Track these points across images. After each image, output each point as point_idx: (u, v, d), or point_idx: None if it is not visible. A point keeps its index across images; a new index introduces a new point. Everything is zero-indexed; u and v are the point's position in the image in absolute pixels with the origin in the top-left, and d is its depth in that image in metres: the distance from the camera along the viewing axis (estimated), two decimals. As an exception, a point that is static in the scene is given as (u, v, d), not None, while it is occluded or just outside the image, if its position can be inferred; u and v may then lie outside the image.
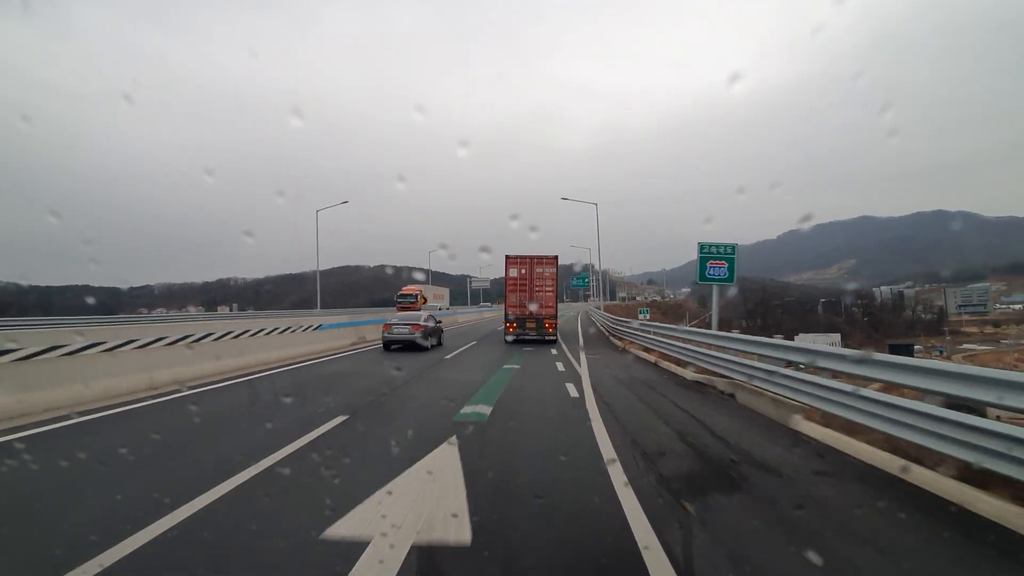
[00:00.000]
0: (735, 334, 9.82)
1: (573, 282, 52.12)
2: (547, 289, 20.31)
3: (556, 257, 20.76)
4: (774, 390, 6.86)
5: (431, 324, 17.63)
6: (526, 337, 19.75)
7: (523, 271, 20.37)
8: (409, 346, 16.37)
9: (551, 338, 19.75)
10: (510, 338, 19.87)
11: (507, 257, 20.55)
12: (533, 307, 19.86)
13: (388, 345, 16.63)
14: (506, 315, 20.34)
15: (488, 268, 54.66)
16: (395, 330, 16.52)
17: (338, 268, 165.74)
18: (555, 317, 20.16)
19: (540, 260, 20.47)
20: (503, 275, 21.18)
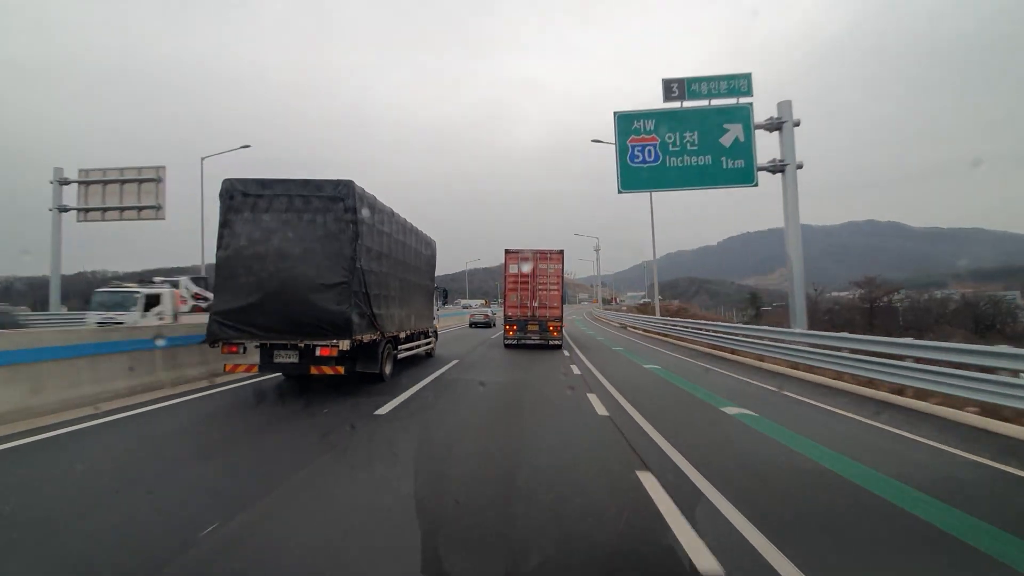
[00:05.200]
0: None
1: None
2: (552, 287, 17.38)
3: (562, 252, 17.82)
4: None
5: (491, 314, 33.08)
6: (527, 342, 17.04)
7: (524, 267, 17.36)
8: (483, 325, 30.94)
9: (555, 343, 17.15)
10: (510, 342, 17.17)
11: (507, 251, 17.55)
12: (536, 308, 17.16)
13: (471, 324, 31.22)
14: (506, 316, 17.54)
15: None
16: (475, 317, 32.50)
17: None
18: (560, 319, 17.37)
19: (544, 255, 17.55)
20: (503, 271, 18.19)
